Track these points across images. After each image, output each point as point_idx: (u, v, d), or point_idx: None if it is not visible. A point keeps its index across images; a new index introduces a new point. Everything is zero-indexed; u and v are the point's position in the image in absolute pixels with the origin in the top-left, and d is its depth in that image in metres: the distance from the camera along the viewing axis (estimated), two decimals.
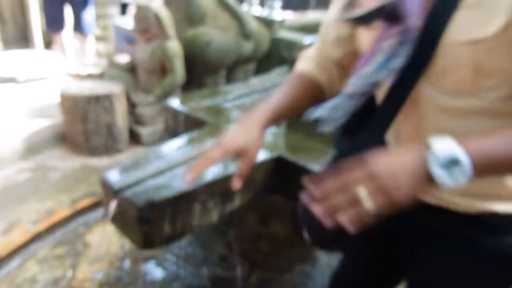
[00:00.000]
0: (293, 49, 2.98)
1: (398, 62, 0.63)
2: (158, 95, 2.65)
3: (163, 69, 2.68)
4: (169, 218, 1.08)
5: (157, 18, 2.58)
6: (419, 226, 0.80)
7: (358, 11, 0.64)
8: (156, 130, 2.65)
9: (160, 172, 1.14)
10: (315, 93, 0.85)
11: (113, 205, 1.06)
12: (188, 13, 2.74)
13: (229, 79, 2.99)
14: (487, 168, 0.54)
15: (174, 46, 2.61)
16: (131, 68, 2.88)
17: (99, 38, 4.40)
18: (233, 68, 2.95)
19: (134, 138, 2.62)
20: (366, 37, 0.72)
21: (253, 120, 0.78)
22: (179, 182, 1.10)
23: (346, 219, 0.52)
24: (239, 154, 0.76)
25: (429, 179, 0.52)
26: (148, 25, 2.59)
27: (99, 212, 1.91)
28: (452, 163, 0.51)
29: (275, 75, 2.13)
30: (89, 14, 3.62)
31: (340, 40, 0.82)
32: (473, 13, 0.58)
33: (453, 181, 0.51)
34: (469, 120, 0.64)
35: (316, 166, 1.24)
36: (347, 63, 0.83)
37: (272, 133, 1.44)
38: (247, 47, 2.81)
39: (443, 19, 0.61)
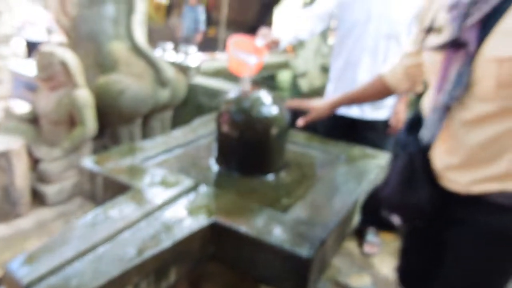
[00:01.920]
0: (210, 95, 2.96)
1: (466, 79, 0.84)
2: (66, 148, 2.40)
3: (71, 120, 2.45)
4: None
5: (63, 65, 2.38)
6: (451, 215, 1.01)
7: (437, 41, 0.92)
8: (63, 188, 2.38)
9: (81, 255, 0.98)
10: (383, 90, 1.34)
11: None
12: (98, 59, 2.58)
13: (145, 128, 2.84)
14: None
15: (84, 95, 2.41)
16: (32, 119, 2.58)
17: None
18: (149, 116, 2.81)
19: (38, 199, 2.32)
20: (434, 58, 0.95)
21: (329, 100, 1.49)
22: (107, 264, 0.96)
23: None
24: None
25: None
26: (53, 73, 2.37)
27: None
28: None
29: (198, 125, 2.06)
30: None
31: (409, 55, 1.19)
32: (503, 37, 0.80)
33: None
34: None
35: (252, 229, 1.17)
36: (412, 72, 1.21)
37: (203, 194, 1.35)
38: (164, 94, 2.72)
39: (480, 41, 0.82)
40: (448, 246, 1.05)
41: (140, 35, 2.60)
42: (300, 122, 1.53)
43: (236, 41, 1.67)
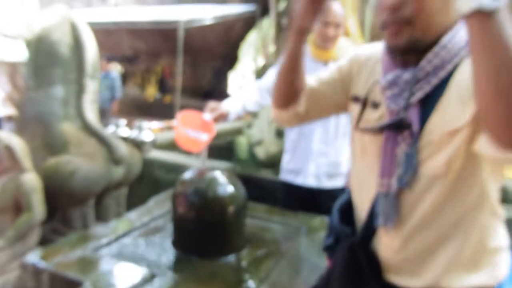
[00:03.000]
0: (167, 169, 2.91)
1: (415, 162, 0.80)
2: (10, 238, 2.23)
3: (16, 206, 2.30)
4: None
5: (8, 149, 2.27)
6: None
7: (374, 117, 0.89)
8: (7, 282, 2.17)
9: None
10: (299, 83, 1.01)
11: None
12: (47, 140, 2.50)
13: (99, 207, 2.72)
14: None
15: (31, 180, 2.29)
16: None
17: None
18: (103, 195, 2.70)
19: None
20: (371, 139, 0.89)
21: None
22: None
23: None
24: None
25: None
26: None
27: None
28: None
29: (153, 205, 2.00)
30: None
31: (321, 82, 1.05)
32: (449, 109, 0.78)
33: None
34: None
35: None
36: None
37: (160, 286, 1.27)
38: (118, 172, 2.64)
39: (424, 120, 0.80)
40: None
41: (91, 114, 2.57)
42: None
43: (184, 116, 1.66)
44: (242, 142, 3.53)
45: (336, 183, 2.03)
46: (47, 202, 2.37)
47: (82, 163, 2.44)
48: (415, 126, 0.80)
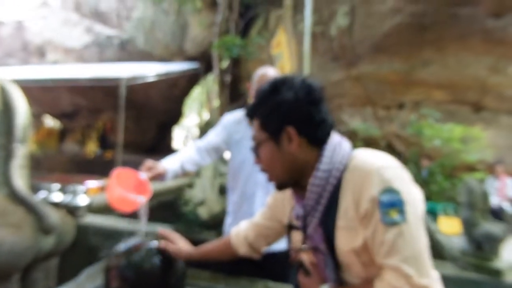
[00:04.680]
0: (103, 235, 2.75)
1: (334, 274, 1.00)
2: None
3: None
4: None
5: None
6: None
7: (298, 239, 1.08)
8: None
9: None
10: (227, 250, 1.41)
11: None
12: None
13: (25, 281, 2.47)
14: None
15: None
16: None
17: None
18: (30, 268, 2.47)
19: None
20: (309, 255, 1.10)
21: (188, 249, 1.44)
22: None
23: None
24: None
25: None
26: None
27: None
28: None
29: (84, 279, 1.85)
30: None
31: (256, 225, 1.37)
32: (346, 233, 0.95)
33: None
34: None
35: None
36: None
37: None
38: (47, 242, 2.45)
39: (331, 237, 0.98)
40: None
41: (19, 181, 2.40)
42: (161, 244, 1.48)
43: (119, 174, 1.57)
44: (185, 201, 3.45)
45: (280, 246, 2.01)
46: None
47: (6, 235, 2.24)
48: (321, 246, 1.00)
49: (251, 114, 1.07)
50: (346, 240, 0.94)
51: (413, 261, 0.85)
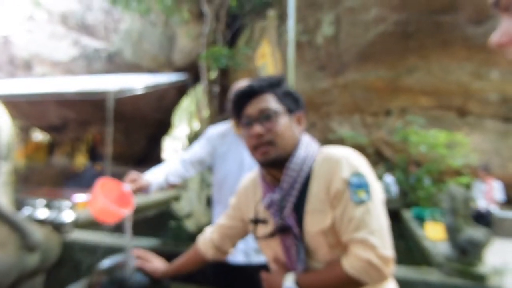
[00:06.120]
0: (89, 251, 2.73)
1: (303, 255, 1.08)
2: None
3: None
4: None
5: None
6: None
7: (266, 230, 1.16)
8: None
9: None
10: (197, 257, 1.45)
11: None
12: None
13: None
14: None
15: None
16: None
17: None
18: (15, 285, 2.44)
19: None
20: (270, 244, 1.18)
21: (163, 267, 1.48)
22: None
23: None
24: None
25: None
26: None
27: None
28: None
29: None
30: None
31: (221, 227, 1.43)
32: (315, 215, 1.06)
33: None
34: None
35: None
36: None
37: None
38: (32, 259, 2.43)
39: (300, 222, 1.08)
40: None
41: (2, 199, 2.39)
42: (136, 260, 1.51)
43: (103, 184, 1.56)
44: (172, 214, 3.45)
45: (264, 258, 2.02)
46: None
47: None
48: (294, 228, 1.08)
49: (261, 90, 1.14)
50: (315, 222, 1.05)
51: (379, 234, 0.98)
